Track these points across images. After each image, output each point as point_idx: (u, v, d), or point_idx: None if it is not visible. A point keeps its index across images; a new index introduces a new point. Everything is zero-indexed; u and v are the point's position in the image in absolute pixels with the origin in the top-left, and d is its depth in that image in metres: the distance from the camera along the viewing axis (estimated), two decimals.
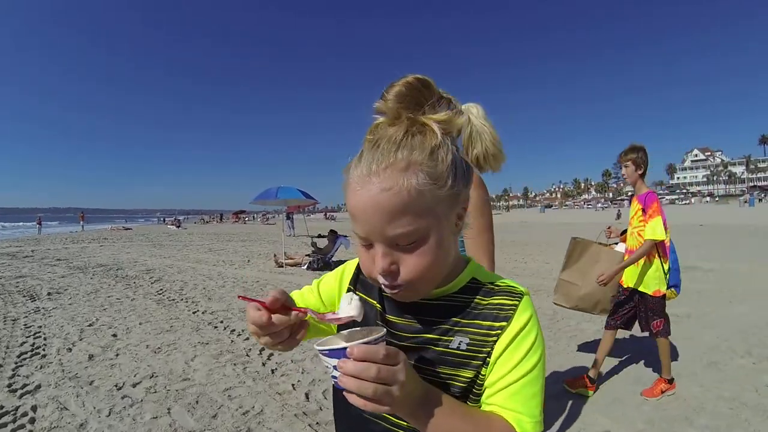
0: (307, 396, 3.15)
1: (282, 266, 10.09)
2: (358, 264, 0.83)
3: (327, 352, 0.55)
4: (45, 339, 4.50)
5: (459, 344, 0.68)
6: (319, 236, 17.79)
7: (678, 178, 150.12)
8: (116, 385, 3.29)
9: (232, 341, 4.42)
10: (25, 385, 3.29)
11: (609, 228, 3.64)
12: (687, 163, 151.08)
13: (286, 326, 0.62)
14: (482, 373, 0.67)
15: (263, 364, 3.76)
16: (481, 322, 0.68)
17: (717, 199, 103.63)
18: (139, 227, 31.58)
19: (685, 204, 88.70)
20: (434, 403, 0.61)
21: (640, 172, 3.07)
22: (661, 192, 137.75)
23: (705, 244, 12.98)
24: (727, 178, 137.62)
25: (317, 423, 2.74)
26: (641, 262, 3.06)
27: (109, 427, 2.68)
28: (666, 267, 3.05)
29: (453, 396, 0.66)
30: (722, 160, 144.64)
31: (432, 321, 0.71)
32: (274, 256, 10.86)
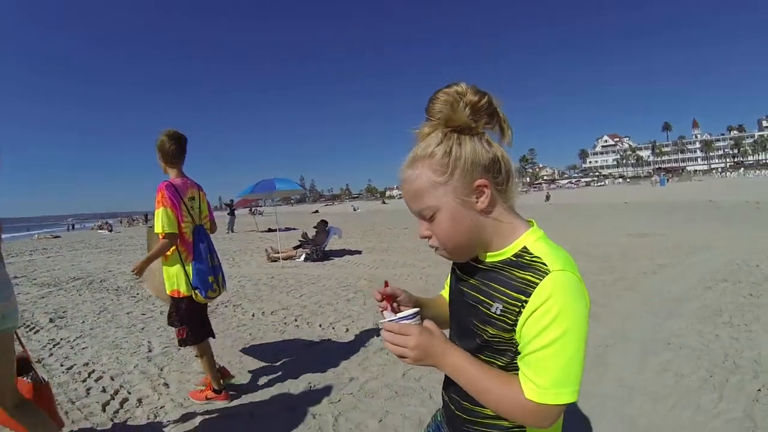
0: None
1: (276, 260, 9.84)
2: None
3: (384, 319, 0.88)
4: (120, 384, 3.24)
5: (496, 309, 0.79)
6: (287, 228, 17.25)
7: (590, 162, 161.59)
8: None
9: (354, 336, 4.10)
10: None
11: None
12: (598, 148, 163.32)
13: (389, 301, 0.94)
14: (506, 336, 0.79)
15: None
16: (510, 292, 0.78)
17: (628, 180, 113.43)
18: (68, 235, 27.87)
19: (601, 185, 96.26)
20: (453, 358, 0.81)
21: (163, 160, 2.84)
22: (575, 175, 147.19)
23: (641, 217, 15.33)
24: (635, 161, 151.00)
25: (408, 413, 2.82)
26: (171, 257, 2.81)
27: None
28: (189, 266, 2.79)
29: (502, 356, 0.82)
30: (630, 145, 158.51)
31: (483, 283, 0.85)
32: (266, 251, 10.60)
